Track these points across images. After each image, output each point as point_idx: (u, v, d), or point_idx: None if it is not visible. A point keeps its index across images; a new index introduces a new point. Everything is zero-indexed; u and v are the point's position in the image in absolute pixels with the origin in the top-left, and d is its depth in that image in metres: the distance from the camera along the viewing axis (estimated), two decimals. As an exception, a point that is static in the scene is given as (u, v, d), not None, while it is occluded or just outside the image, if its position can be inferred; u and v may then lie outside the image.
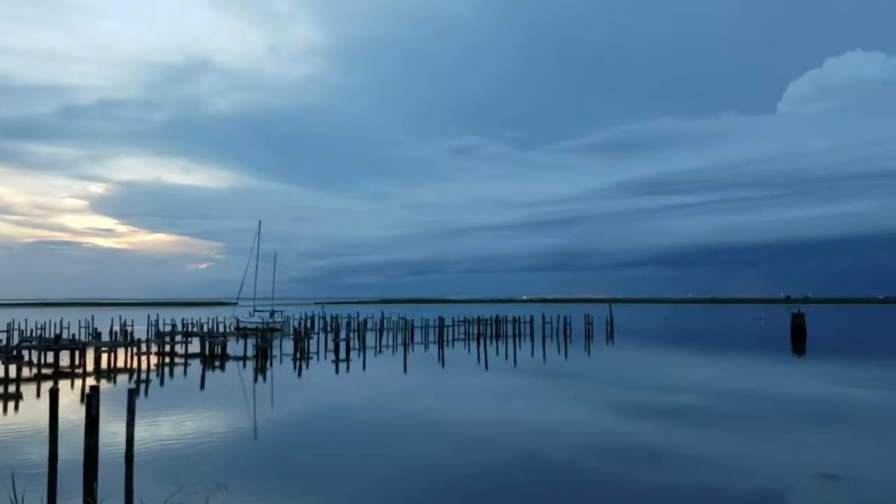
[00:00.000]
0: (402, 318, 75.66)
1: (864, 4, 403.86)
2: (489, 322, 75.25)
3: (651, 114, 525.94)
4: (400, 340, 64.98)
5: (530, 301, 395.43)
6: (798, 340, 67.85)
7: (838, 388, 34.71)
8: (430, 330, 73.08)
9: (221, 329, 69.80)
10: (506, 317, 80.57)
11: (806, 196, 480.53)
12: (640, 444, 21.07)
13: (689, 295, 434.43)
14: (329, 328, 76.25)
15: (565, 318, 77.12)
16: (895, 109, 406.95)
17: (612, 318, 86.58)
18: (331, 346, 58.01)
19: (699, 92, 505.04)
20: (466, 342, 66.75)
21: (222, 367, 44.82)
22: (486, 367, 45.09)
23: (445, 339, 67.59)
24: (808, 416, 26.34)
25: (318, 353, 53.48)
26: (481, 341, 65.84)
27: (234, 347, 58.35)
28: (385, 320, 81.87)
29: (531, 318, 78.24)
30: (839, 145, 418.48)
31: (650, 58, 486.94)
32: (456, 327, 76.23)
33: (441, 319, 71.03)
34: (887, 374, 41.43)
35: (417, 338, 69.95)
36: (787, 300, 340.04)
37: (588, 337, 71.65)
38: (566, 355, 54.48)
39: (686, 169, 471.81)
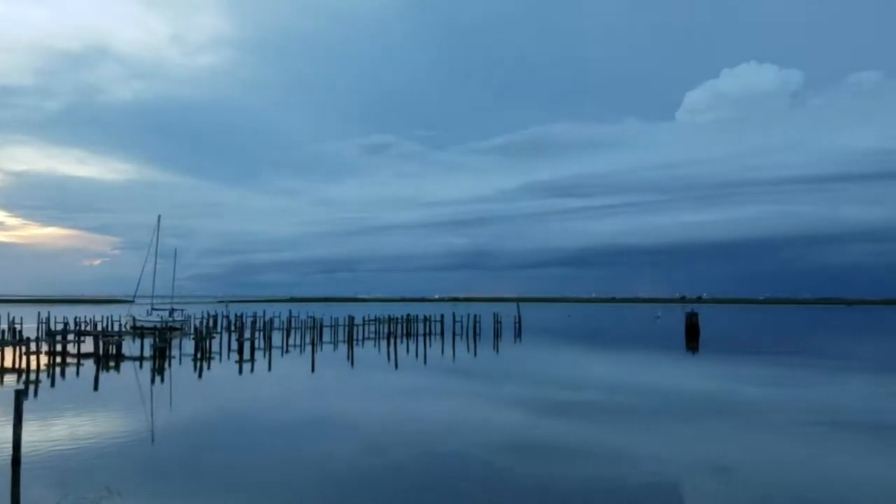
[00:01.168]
0: (310, 317, 74.53)
1: (760, 18, 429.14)
2: (400, 321, 75.25)
3: (558, 117, 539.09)
4: (308, 340, 63.96)
5: (442, 300, 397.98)
6: (692, 338, 71.33)
7: (727, 383, 36.71)
8: (340, 329, 72.33)
9: (117, 328, 66.58)
10: (417, 316, 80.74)
11: (701, 201, 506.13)
12: (545, 439, 21.60)
13: (593, 294, 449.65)
14: (233, 327, 74.16)
15: (475, 316, 78.07)
16: (784, 120, 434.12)
17: (519, 317, 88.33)
18: (234, 345, 56.42)
19: (603, 98, 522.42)
20: (377, 341, 66.46)
21: (117, 368, 42.80)
22: (396, 366, 45.04)
23: (355, 338, 67.05)
24: (699, 410, 27.74)
25: (220, 354, 51.91)
26: (392, 340, 65.71)
27: (130, 347, 55.81)
28: (293, 319, 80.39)
29: (442, 316, 78.69)
30: (732, 153, 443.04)
31: (558, 63, 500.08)
32: (366, 326, 75.77)
33: (351, 318, 70.44)
34: (772, 370, 44.16)
35: (326, 337, 69.07)
36: (683, 300, 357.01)
37: (497, 335, 72.80)
38: (475, 353, 55.15)
39: (590, 172, 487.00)
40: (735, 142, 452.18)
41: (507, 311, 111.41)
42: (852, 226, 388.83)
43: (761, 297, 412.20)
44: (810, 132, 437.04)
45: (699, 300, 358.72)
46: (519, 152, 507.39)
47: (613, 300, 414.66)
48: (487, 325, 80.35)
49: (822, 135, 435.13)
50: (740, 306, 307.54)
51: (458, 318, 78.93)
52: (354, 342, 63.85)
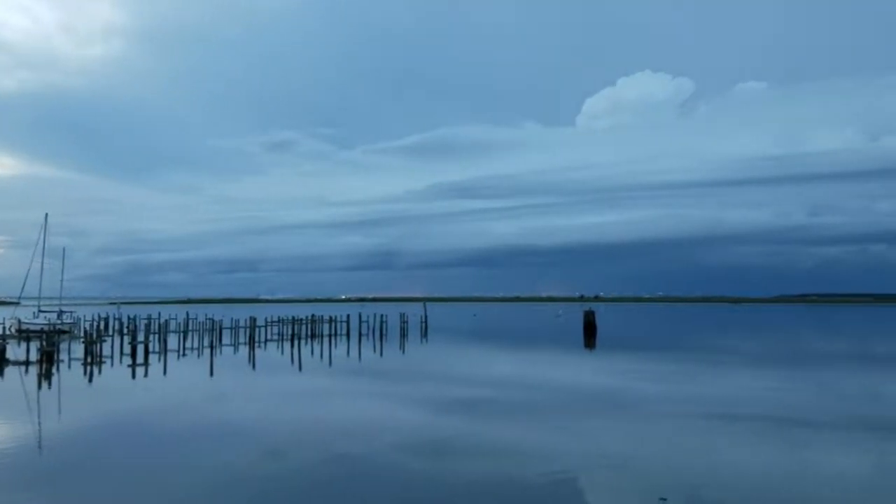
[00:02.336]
0: (209, 319, 72.15)
1: (655, 28, 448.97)
2: (304, 322, 74.03)
3: (464, 120, 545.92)
4: (206, 342, 61.86)
5: (348, 300, 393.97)
6: (589, 336, 73.98)
7: (622, 378, 38.30)
8: (241, 331, 70.39)
9: (0, 331, 62.21)
10: (322, 316, 79.75)
11: (599, 204, 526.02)
12: (450, 437, 21.85)
13: (498, 294, 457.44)
14: (126, 330, 70.76)
15: (382, 317, 77.82)
16: (675, 128, 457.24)
17: (426, 317, 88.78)
18: (127, 349, 53.85)
19: (508, 102, 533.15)
20: (280, 343, 65.11)
21: (1, 373, 40.04)
22: (300, 368, 44.32)
23: (257, 340, 65.41)
24: (596, 405, 28.82)
25: (112, 358, 49.46)
26: (295, 342, 64.53)
27: (15, 351, 52.29)
28: (190, 321, 77.55)
29: (348, 317, 78.05)
30: (628, 158, 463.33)
31: (465, 66, 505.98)
32: (269, 328, 74.08)
33: (252, 319, 68.67)
34: (663, 365, 46.42)
35: (226, 339, 67.02)
36: (582, 299, 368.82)
37: (403, 335, 72.87)
38: (381, 353, 55.03)
39: (494, 174, 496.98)
40: (630, 147, 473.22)
41: (414, 311, 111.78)
42: (737, 228, 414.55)
43: (654, 296, 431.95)
44: (699, 139, 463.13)
45: (597, 299, 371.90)
46: (426, 153, 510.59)
47: (518, 299, 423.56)
48: (394, 325, 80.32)
49: (710, 142, 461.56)
50: (635, 304, 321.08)
51: (364, 319, 78.48)
52: (256, 344, 62.28)
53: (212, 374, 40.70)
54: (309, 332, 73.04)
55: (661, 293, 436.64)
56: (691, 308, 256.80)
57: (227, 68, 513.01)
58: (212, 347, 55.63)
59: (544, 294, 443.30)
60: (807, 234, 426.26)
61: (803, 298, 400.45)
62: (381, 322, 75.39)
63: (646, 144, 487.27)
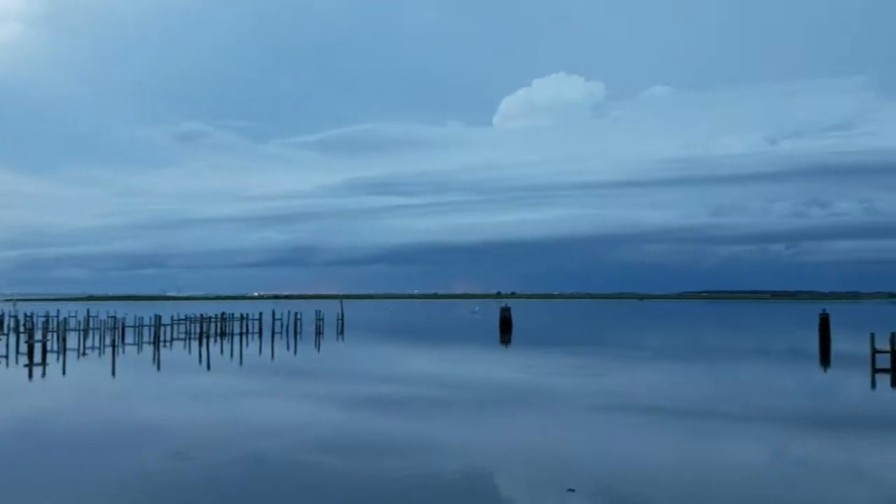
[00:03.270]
0: (111, 317, 68.92)
1: (569, 31, 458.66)
2: (214, 320, 71.78)
3: (382, 116, 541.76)
4: (108, 341, 59.02)
5: (261, 298, 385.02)
6: (505, 332, 75.04)
7: (536, 373, 39.02)
8: (146, 329, 67.53)
9: None
10: (233, 314, 77.56)
11: (515, 202, 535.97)
12: (366, 436, 21.63)
13: (416, 291, 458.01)
14: (22, 328, 66.67)
15: (296, 314, 76.33)
16: (588, 129, 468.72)
17: (342, 314, 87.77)
18: (23, 348, 50.71)
19: (427, 99, 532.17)
20: (187, 342, 62.87)
21: None
22: (209, 367, 42.93)
23: (163, 338, 62.89)
24: (510, 400, 29.22)
25: (7, 357, 46.49)
26: (204, 341, 62.48)
27: None
28: (91, 319, 73.84)
29: (260, 314, 76.11)
30: (543, 159, 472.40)
31: (384, 62, 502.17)
32: (176, 326, 71.38)
33: (158, 317, 66.02)
34: (576, 360, 47.61)
35: (130, 338, 64.11)
36: (499, 296, 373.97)
37: (319, 333, 71.80)
38: (295, 352, 54.02)
39: (413, 171, 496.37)
40: (546, 148, 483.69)
41: (330, 309, 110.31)
42: (646, 227, 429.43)
43: (568, 293, 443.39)
44: (611, 141, 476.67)
45: (513, 296, 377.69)
46: (344, 148, 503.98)
47: (435, 296, 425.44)
48: (309, 322, 78.97)
49: (622, 144, 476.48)
50: (550, 301, 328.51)
51: (278, 316, 76.78)
52: (162, 343, 59.87)
53: (114, 374, 38.89)
54: (218, 331, 70.90)
55: (574, 290, 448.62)
56: (603, 304, 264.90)
57: (134, 55, 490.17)
58: (114, 346, 53.16)
59: (462, 291, 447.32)
60: (711, 234, 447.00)
61: (707, 295, 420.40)
62: (296, 319, 73.98)
63: (561, 145, 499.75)
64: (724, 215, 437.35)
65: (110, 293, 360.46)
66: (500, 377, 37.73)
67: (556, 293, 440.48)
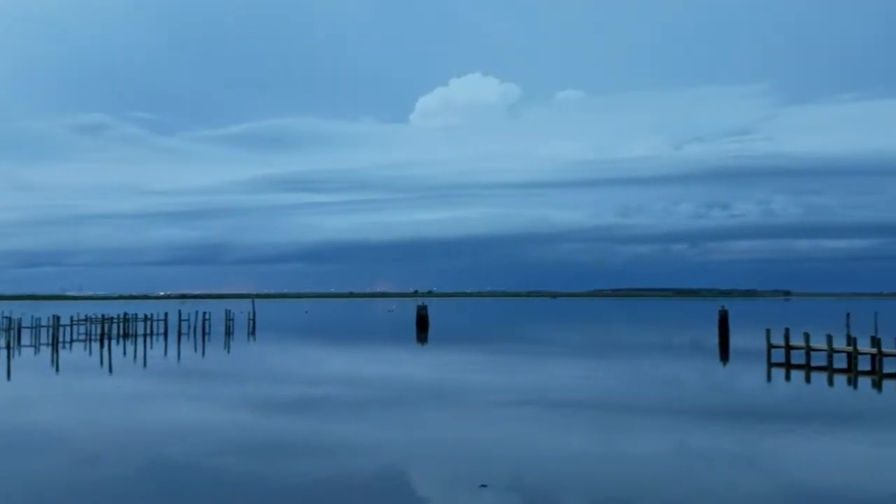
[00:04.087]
0: (5, 317, 64.79)
1: (486, 33, 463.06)
2: (116, 320, 68.62)
3: (297, 111, 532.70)
4: (2, 343, 55.47)
5: (168, 297, 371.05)
6: (422, 330, 75.18)
7: (452, 371, 39.31)
8: (44, 330, 63.80)
9: None
10: (136, 314, 74.38)
11: (432, 200, 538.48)
12: (279, 438, 21.19)
13: (331, 290, 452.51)
14: None
15: (204, 314, 73.90)
16: (504, 130, 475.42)
17: (254, 314, 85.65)
18: None
19: (342, 95, 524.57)
20: (88, 344, 59.84)
21: None
22: (111, 370, 41.01)
23: (62, 340, 59.59)
24: (427, 397, 29.32)
25: None
26: (106, 342, 59.62)
27: None
28: (-18, 320, 69.15)
29: (166, 314, 73.22)
30: (460, 158, 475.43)
31: (299, 56, 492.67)
32: (75, 327, 67.80)
33: (56, 318, 62.50)
34: (491, 357, 48.27)
35: (26, 339, 60.50)
36: (416, 294, 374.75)
37: (228, 334, 69.79)
38: (203, 354, 52.30)
39: (328, 168, 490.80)
40: (462, 147, 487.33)
41: (241, 308, 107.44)
42: (558, 227, 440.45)
43: (484, 291, 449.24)
44: (525, 142, 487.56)
45: (430, 294, 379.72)
46: (256, 143, 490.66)
47: (351, 295, 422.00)
48: (218, 323, 76.62)
49: (535, 145, 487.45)
50: (466, 299, 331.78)
51: (185, 317, 74.14)
52: (60, 345, 56.72)
53: (9, 377, 36.65)
54: (121, 332, 67.86)
55: (490, 288, 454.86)
56: (517, 302, 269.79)
57: (29, 42, 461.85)
58: (9, 348, 50.01)
59: (378, 290, 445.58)
60: (618, 234, 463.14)
61: (615, 293, 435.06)
62: (204, 320, 71.60)
63: (477, 145, 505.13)
64: (631, 216, 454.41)
65: (5, 292, 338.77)
66: (416, 375, 37.75)
67: (472, 291, 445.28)
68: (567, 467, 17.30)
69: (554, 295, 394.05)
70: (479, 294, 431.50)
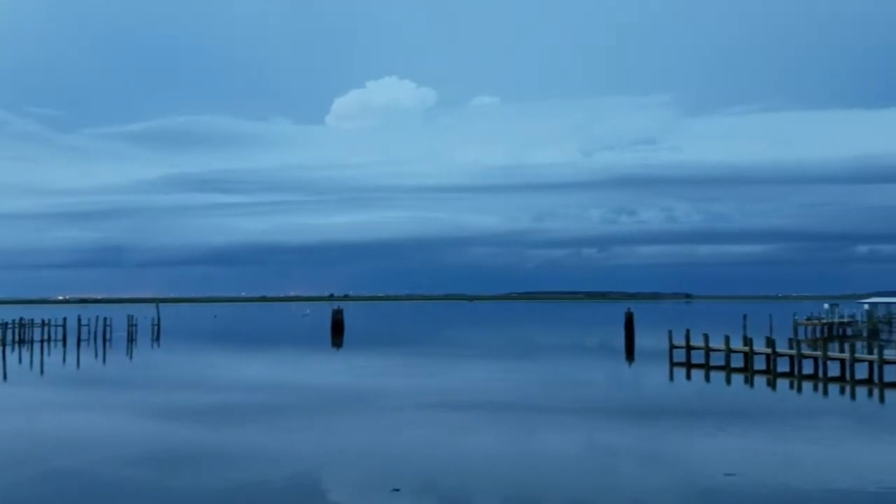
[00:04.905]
0: None
1: (403, 36, 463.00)
2: (10, 326, 64.58)
3: (207, 109, 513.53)
4: None
5: (66, 302, 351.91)
6: (337, 334, 74.43)
7: (368, 375, 39.07)
8: (-75, 338, 59.35)
9: None
10: (32, 319, 70.22)
11: (348, 203, 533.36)
12: (185, 447, 20.51)
13: (242, 294, 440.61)
14: None
15: (105, 319, 70.60)
16: (421, 134, 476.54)
17: (159, 319, 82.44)
18: None
19: (254, 94, 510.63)
20: (-23, 351, 56.03)
21: None
22: (5, 377, 38.72)
23: (-53, 348, 55.59)
24: (341, 403, 29.03)
25: None
26: (0, 348, 56.04)
27: None
28: None
29: (64, 320, 69.45)
30: (376, 161, 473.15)
31: (210, 54, 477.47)
32: (-37, 334, 63.36)
33: (-59, 325, 58.33)
34: (407, 360, 48.30)
35: None
36: (331, 298, 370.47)
37: (131, 340, 66.87)
38: (104, 360, 49.93)
39: (240, 168, 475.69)
40: (379, 150, 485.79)
41: (145, 313, 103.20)
42: (473, 231, 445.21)
43: (400, 294, 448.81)
44: (441, 147, 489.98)
45: (346, 298, 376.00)
46: (163, 141, 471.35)
47: (263, 299, 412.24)
48: (121, 328, 73.30)
49: (451, 150, 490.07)
50: (383, 303, 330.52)
51: (84, 322, 70.54)
52: (-54, 354, 52.90)
53: None
54: (17, 338, 63.95)
55: (406, 291, 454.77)
56: (433, 305, 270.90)
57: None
58: None
59: (292, 293, 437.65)
60: (532, 238, 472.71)
61: (529, 295, 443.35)
62: (105, 325, 68.37)
63: (393, 148, 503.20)
64: (544, 221, 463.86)
65: None
66: (330, 380, 37.35)
67: (388, 295, 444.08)
68: (480, 468, 17.54)
69: (470, 298, 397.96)
70: (395, 297, 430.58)
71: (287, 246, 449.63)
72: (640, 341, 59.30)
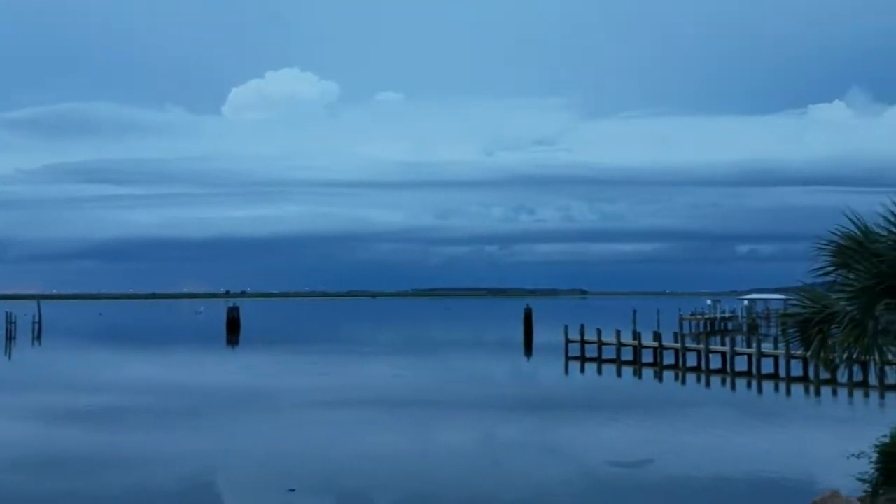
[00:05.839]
0: None
1: (305, 28, 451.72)
2: None
3: (91, 95, 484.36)
4: None
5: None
6: (233, 332, 72.21)
7: (264, 374, 38.20)
8: None
9: None
10: None
11: (246, 197, 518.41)
12: (72, 451, 19.51)
13: (131, 290, 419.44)
14: None
15: (-22, 317, 65.74)
16: (323, 128, 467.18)
17: (40, 317, 77.49)
18: None
19: (147, 81, 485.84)
20: None
21: None
22: None
23: None
24: (236, 403, 28.19)
25: None
26: None
27: None
28: None
29: (-70, 319, 64.14)
30: (276, 154, 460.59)
31: (96, 35, 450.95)
32: None
33: None
34: (306, 358, 47.45)
35: None
36: (227, 295, 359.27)
37: (10, 338, 62.48)
38: (-23, 361, 46.41)
39: (130, 158, 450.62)
40: (279, 143, 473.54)
41: (26, 311, 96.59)
42: (376, 227, 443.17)
43: (300, 291, 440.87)
44: (345, 141, 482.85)
45: (243, 294, 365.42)
46: (44, 129, 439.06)
47: (155, 296, 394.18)
48: (-3, 327, 68.42)
49: (354, 145, 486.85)
50: (282, 300, 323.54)
51: (-45, 321, 65.35)
52: None
53: None
54: None
55: (307, 288, 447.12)
56: (335, 302, 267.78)
57: None
58: None
59: (185, 290, 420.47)
60: (435, 235, 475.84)
61: (432, 292, 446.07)
62: (-20, 324, 63.63)
63: (294, 141, 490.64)
64: (447, 218, 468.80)
65: None
66: (224, 380, 36.22)
67: (288, 292, 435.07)
68: (377, 465, 17.46)
69: (372, 295, 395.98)
70: (295, 294, 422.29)
71: (180, 241, 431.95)
72: (538, 336, 60.85)
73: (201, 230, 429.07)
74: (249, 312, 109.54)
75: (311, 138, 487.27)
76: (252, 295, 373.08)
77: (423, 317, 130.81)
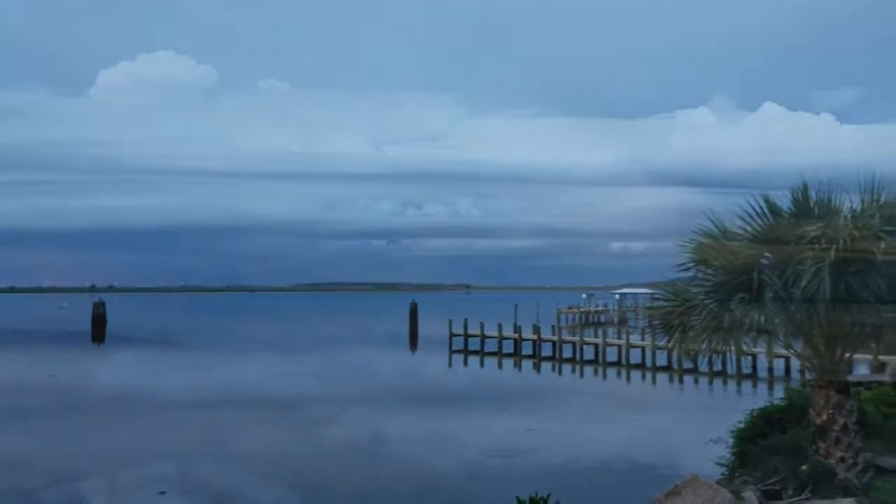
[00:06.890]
0: None
1: (180, 8, 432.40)
2: None
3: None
4: None
5: None
6: (98, 329, 68.04)
7: (132, 373, 36.27)
8: None
9: None
10: None
11: (114, 185, 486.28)
12: None
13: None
14: None
15: None
16: (201, 114, 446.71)
17: None
18: None
19: (5, 59, 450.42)
20: None
21: None
22: None
23: None
24: (100, 403, 26.69)
25: None
26: None
27: None
28: None
29: None
30: (147, 140, 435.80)
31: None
32: None
33: None
34: (178, 356, 45.54)
35: None
36: (93, 289, 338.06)
37: None
38: None
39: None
40: (152, 128, 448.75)
41: None
42: (259, 220, 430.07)
43: (174, 286, 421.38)
44: (226, 129, 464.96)
45: (110, 289, 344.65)
46: None
47: (13, 290, 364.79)
48: None
49: (236, 133, 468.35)
50: (153, 295, 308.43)
51: None
52: None
53: None
54: None
55: (182, 283, 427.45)
56: (212, 297, 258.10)
57: None
58: None
59: (47, 284, 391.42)
60: (321, 228, 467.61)
61: (317, 287, 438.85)
62: None
63: (168, 128, 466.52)
64: (334, 211, 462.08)
65: None
66: (90, 379, 34.14)
67: (161, 286, 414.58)
68: (255, 465, 17.01)
69: (253, 290, 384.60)
70: (169, 289, 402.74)
71: (41, 231, 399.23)
72: (424, 330, 61.27)
73: (66, 220, 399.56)
74: (117, 308, 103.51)
75: (187, 125, 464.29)
76: (121, 290, 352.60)
77: (305, 312, 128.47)
